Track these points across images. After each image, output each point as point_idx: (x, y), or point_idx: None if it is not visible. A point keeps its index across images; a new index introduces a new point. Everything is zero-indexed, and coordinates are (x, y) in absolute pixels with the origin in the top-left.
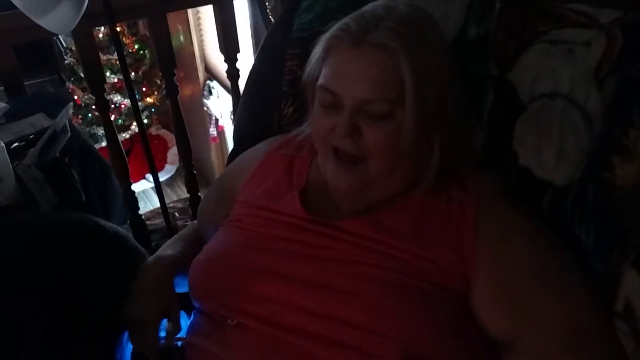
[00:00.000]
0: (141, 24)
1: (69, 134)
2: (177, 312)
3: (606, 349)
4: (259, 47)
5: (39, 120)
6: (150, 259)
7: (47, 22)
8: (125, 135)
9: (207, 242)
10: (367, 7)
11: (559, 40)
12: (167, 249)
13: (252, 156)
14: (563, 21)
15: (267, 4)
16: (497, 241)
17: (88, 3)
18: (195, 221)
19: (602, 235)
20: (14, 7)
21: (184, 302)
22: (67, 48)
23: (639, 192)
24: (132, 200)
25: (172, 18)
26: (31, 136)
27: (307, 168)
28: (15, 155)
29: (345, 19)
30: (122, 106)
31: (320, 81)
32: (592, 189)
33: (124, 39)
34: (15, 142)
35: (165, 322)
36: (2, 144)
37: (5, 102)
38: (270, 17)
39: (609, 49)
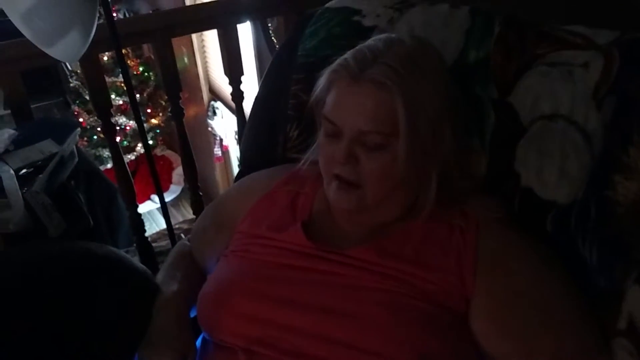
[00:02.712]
0: (146, 46)
1: (76, 159)
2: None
3: None
4: (265, 73)
5: (47, 146)
6: (166, 295)
7: (56, 51)
8: (131, 156)
9: (205, 267)
10: (368, 42)
11: (558, 63)
12: (171, 281)
13: (256, 186)
14: (561, 43)
15: (269, 25)
16: (494, 269)
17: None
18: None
19: (605, 253)
20: (22, 35)
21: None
22: (72, 71)
23: None
24: (138, 222)
25: (176, 40)
26: (39, 162)
27: (311, 202)
28: (23, 181)
29: (346, 54)
30: (127, 128)
31: (324, 111)
32: (594, 207)
33: (128, 62)
34: (23, 169)
35: None
36: (12, 172)
37: (14, 129)
38: (273, 39)
39: (607, 69)
